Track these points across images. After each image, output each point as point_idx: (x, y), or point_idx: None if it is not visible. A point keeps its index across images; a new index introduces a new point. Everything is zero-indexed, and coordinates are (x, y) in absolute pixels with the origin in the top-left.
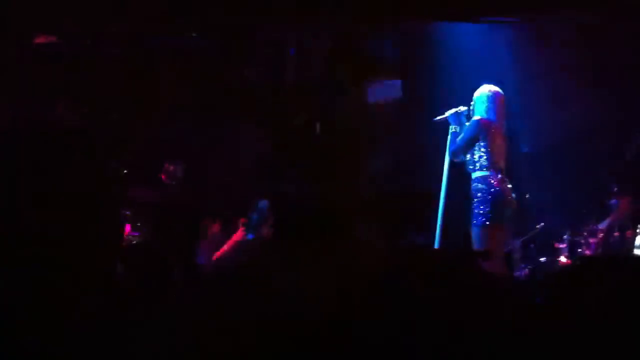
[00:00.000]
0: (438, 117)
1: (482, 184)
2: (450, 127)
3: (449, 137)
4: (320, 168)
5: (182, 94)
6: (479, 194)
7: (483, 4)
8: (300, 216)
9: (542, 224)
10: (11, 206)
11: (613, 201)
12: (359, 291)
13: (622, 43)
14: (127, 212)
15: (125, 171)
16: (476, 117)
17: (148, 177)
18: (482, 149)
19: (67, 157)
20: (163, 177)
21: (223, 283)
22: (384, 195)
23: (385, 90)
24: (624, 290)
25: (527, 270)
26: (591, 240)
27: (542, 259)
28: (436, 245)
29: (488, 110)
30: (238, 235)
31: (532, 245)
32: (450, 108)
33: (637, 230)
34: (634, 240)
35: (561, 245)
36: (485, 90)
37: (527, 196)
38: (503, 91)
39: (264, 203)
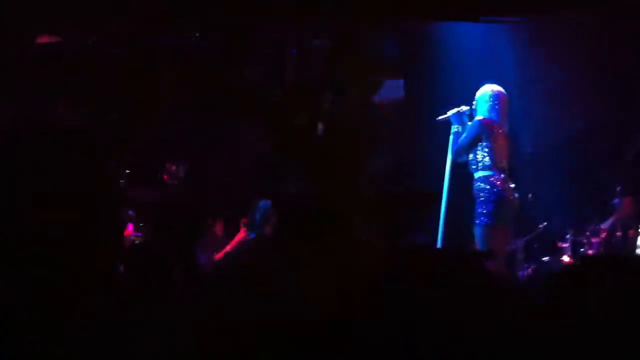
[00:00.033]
0: (440, 117)
1: (484, 184)
2: (453, 126)
3: (451, 136)
4: (320, 168)
5: (182, 94)
6: (481, 194)
7: (483, 4)
8: (300, 216)
9: (545, 223)
10: (11, 206)
11: (616, 201)
12: (359, 291)
13: (622, 43)
14: (131, 212)
15: (127, 171)
16: (479, 117)
17: (148, 177)
18: (485, 149)
19: (67, 157)
20: (165, 177)
21: (223, 283)
22: (384, 195)
23: (387, 90)
24: (627, 289)
25: (530, 269)
26: (594, 239)
27: (545, 259)
28: (439, 245)
29: (490, 110)
30: (241, 235)
31: (535, 245)
32: (452, 108)
33: None
34: (636, 239)
35: (564, 245)
36: (488, 89)
37: (530, 196)
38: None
39: (266, 203)
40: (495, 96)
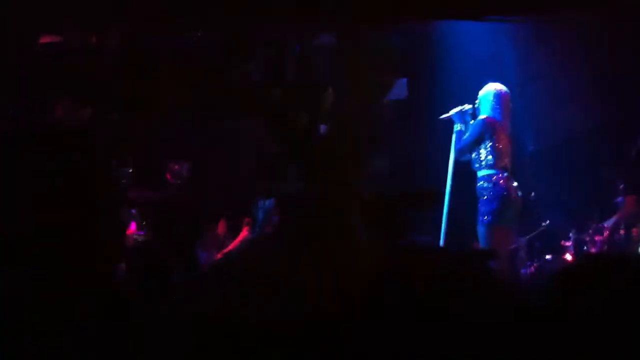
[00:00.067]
0: (443, 116)
1: (487, 183)
2: (455, 125)
3: (453, 135)
4: (320, 168)
5: (183, 94)
6: (484, 193)
7: (483, 4)
8: (300, 216)
9: (548, 221)
10: (11, 206)
11: (619, 199)
12: (359, 291)
13: (622, 43)
14: (133, 211)
15: (129, 170)
16: (482, 116)
17: (148, 177)
18: (488, 148)
19: (67, 157)
20: (168, 176)
21: (223, 282)
22: (384, 196)
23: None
24: (630, 288)
25: (532, 268)
26: (597, 238)
27: (548, 257)
28: (441, 244)
29: (493, 108)
30: (243, 235)
31: (537, 243)
32: (454, 107)
33: None
34: (639, 238)
35: (567, 243)
36: (491, 88)
37: (533, 194)
38: None
39: (269, 202)
40: (499, 95)
